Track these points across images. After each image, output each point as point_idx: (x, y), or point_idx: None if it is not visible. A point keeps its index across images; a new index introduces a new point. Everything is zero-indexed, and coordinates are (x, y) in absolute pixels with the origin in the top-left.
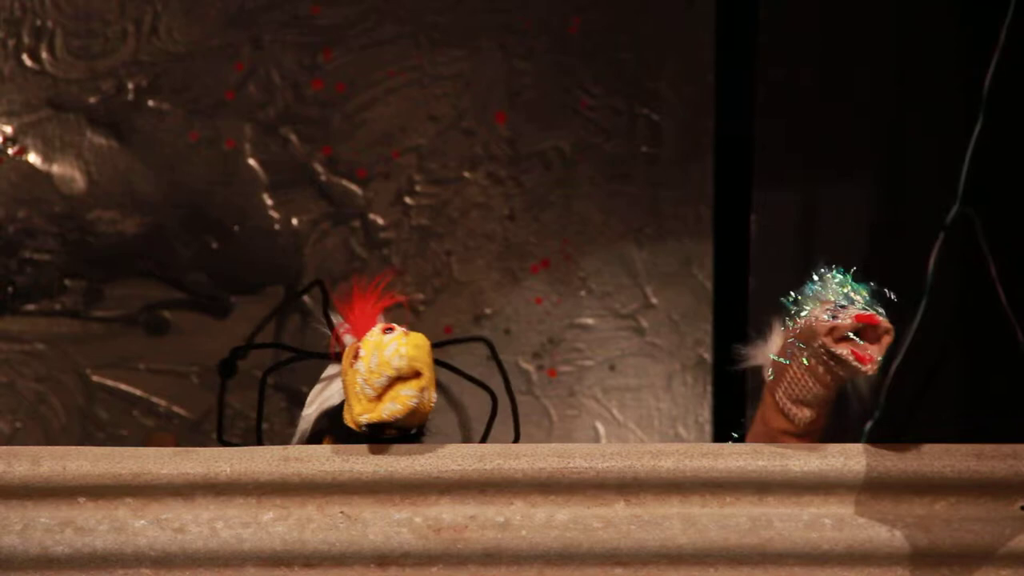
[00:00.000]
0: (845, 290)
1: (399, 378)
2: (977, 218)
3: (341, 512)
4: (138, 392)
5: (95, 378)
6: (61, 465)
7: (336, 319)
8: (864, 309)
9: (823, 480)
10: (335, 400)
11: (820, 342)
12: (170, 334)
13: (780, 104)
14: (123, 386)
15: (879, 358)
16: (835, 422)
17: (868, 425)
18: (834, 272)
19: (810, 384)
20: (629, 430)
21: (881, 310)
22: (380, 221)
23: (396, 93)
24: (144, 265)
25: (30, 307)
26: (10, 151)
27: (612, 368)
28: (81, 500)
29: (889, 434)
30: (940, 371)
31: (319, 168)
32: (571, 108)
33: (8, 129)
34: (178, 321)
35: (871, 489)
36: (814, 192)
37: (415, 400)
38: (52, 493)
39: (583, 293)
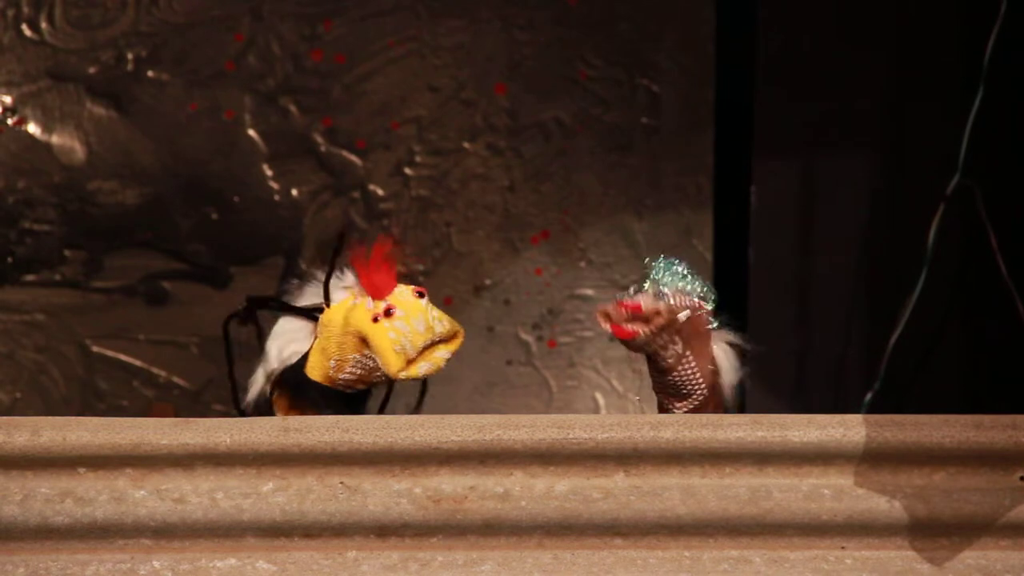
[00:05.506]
0: (661, 278)
1: (432, 343)
2: (978, 189)
3: (341, 483)
4: (138, 363)
5: (95, 349)
6: (61, 435)
7: (338, 277)
8: (642, 296)
9: (822, 451)
10: (295, 357)
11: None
12: (170, 304)
13: (780, 75)
14: (123, 357)
15: (643, 332)
16: (834, 394)
17: (868, 396)
18: (659, 263)
19: (654, 377)
20: (629, 401)
21: (680, 295)
22: (380, 192)
23: (396, 64)
24: (144, 236)
25: (30, 278)
26: (9, 121)
27: (612, 339)
28: (81, 470)
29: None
30: None
31: (319, 139)
32: (571, 79)
33: (7, 99)
34: (178, 292)
35: (870, 460)
36: (814, 163)
37: (446, 362)
38: (52, 463)
39: (583, 264)
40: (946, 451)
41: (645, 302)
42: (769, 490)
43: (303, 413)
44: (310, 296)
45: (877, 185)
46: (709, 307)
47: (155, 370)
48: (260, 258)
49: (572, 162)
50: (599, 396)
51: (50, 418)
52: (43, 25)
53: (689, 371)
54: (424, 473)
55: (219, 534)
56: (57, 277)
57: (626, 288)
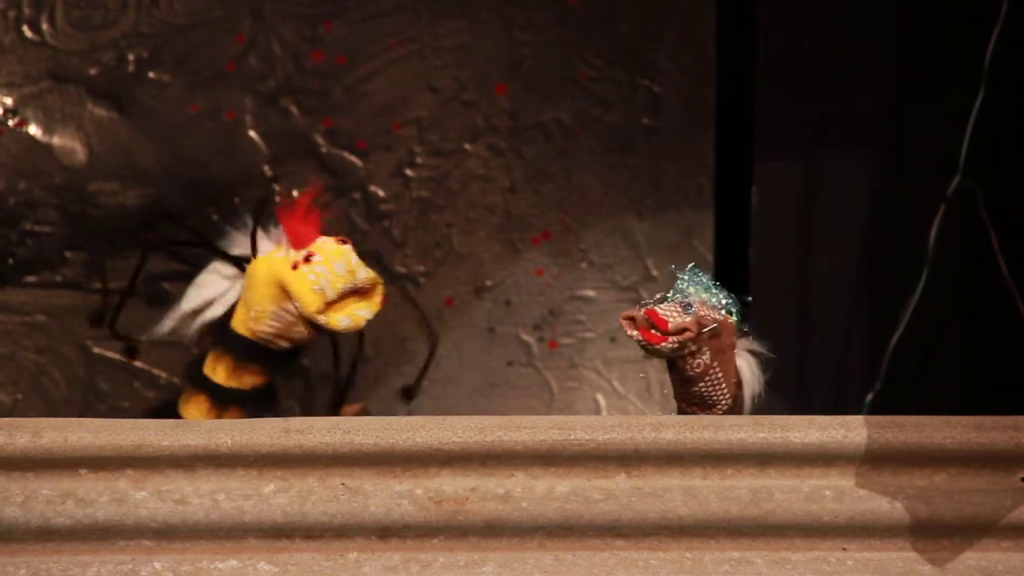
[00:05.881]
0: (685, 290)
1: (355, 291)
2: (978, 190)
3: (342, 484)
4: (139, 364)
5: (96, 350)
6: (62, 437)
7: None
8: (669, 307)
9: (824, 452)
10: (219, 310)
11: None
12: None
13: (780, 75)
14: (124, 358)
15: (670, 342)
16: (834, 395)
17: (868, 397)
18: (686, 274)
19: (675, 384)
20: (630, 402)
21: (707, 307)
22: (381, 193)
23: (397, 64)
24: (145, 237)
25: (31, 279)
26: (10, 123)
27: (613, 340)
28: (82, 472)
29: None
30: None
31: (320, 140)
32: (572, 79)
33: (8, 101)
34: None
35: (872, 461)
36: (815, 163)
37: (367, 320)
38: (53, 465)
39: (584, 265)
40: (947, 452)
41: (672, 317)
42: (771, 491)
43: (232, 368)
44: (241, 247)
45: (878, 185)
46: (734, 319)
47: (156, 371)
48: None
49: (573, 163)
50: (600, 397)
51: (51, 419)
52: (44, 26)
53: (715, 382)
54: (425, 474)
55: (220, 535)
56: (58, 278)
57: (628, 288)
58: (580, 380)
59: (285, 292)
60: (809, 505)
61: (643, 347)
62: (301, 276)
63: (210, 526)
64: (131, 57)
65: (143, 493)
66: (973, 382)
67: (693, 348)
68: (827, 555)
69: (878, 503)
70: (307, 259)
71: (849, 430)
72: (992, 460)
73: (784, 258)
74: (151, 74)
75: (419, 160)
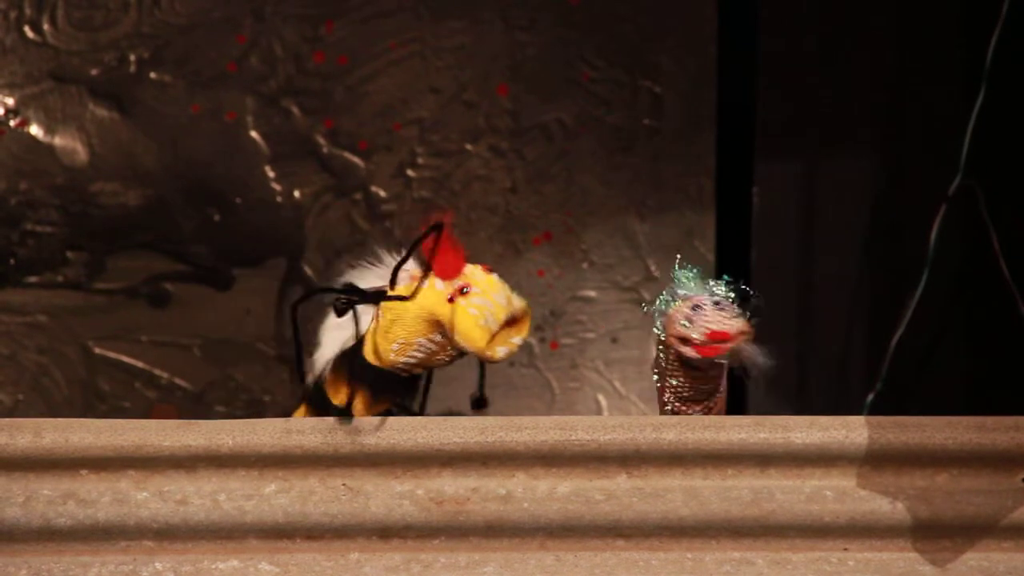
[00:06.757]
0: (700, 285)
1: (510, 319)
2: (980, 189)
3: (343, 484)
4: (140, 364)
5: (97, 350)
6: (63, 437)
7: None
8: (719, 315)
9: (825, 452)
10: (351, 341)
11: (672, 348)
12: (172, 306)
13: (782, 76)
14: (125, 358)
15: (727, 349)
16: (835, 395)
17: (869, 397)
18: (688, 271)
19: (687, 382)
20: (631, 402)
21: (732, 304)
22: (382, 194)
23: (398, 65)
24: (146, 237)
25: (32, 279)
26: (12, 123)
27: (614, 340)
28: (83, 472)
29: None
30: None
31: (321, 140)
32: (573, 80)
33: (10, 101)
34: (180, 293)
35: (873, 461)
36: (816, 163)
37: (518, 347)
38: (54, 465)
39: (585, 265)
40: (949, 453)
41: (726, 323)
42: (771, 492)
43: (360, 397)
44: (369, 280)
45: (879, 185)
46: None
47: (157, 372)
48: (262, 259)
49: (574, 163)
50: (601, 398)
51: (52, 420)
52: (45, 27)
53: (720, 376)
54: (426, 475)
55: (221, 536)
56: (59, 279)
57: (629, 289)
58: (581, 380)
59: (437, 325)
60: (810, 505)
61: (697, 361)
62: (463, 311)
63: (211, 526)
64: (132, 57)
65: (144, 493)
66: (974, 382)
67: None
68: (828, 555)
69: (879, 503)
70: (463, 291)
71: (850, 430)
72: (993, 461)
73: (785, 258)
74: (152, 74)
75: (420, 160)
